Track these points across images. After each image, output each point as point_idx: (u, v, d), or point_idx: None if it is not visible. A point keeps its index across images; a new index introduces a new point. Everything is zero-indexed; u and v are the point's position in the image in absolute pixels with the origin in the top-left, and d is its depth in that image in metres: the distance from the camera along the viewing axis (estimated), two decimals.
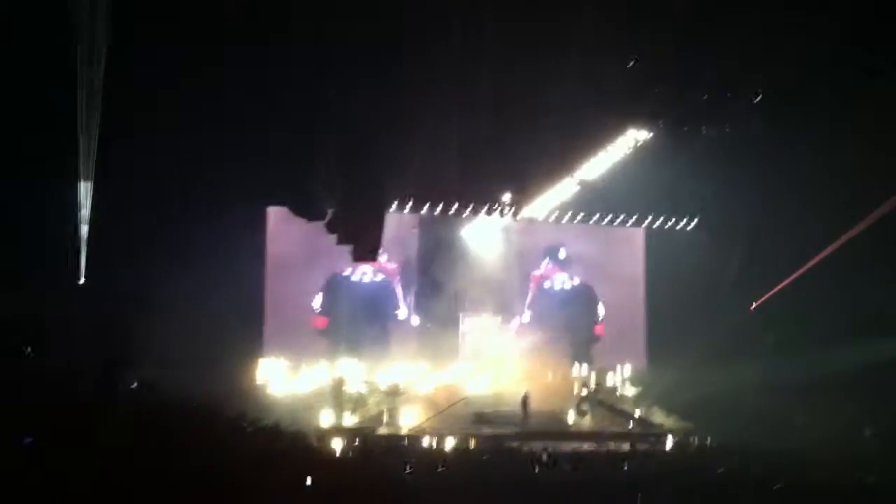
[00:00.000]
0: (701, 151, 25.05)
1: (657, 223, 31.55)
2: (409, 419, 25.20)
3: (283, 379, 26.77)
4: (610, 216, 31.23)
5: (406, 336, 29.49)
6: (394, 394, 26.50)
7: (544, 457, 19.68)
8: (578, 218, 30.86)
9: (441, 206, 29.85)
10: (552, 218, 30.63)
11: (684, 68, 23.28)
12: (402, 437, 23.46)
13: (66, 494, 9.64)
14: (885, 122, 21.90)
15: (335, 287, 29.03)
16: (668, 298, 29.60)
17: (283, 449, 15.81)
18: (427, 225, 30.10)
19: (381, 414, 25.40)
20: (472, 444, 22.58)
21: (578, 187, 28.80)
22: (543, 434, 23.96)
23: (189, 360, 21.08)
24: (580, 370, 29.27)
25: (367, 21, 21.06)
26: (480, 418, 25.54)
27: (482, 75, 22.90)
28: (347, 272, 29.17)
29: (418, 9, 21.06)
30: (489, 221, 30.43)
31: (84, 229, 21.76)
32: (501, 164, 27.31)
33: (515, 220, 30.30)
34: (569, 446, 21.85)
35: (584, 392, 28.20)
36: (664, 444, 24.48)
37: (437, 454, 19.72)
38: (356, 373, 27.13)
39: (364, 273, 29.43)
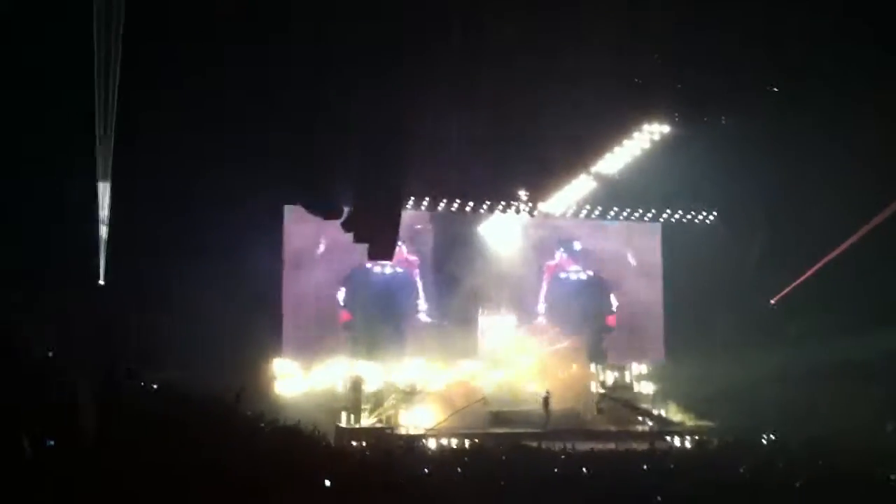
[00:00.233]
0: (719, 144, 24.90)
1: (675, 217, 31.40)
2: (427, 418, 25.20)
3: (301, 378, 26.82)
4: (627, 211, 31.11)
5: (424, 334, 29.52)
6: (412, 393, 26.56)
7: (563, 456, 19.54)
8: (595, 214, 30.79)
9: (457, 203, 29.81)
10: (569, 214, 30.56)
11: (701, 59, 23.09)
12: (420, 437, 23.41)
13: (82, 493, 9.65)
14: None
15: (356, 280, 29.06)
16: (686, 292, 29.48)
17: (300, 449, 15.78)
18: (443, 222, 30.06)
19: (399, 413, 25.42)
20: (490, 443, 22.43)
21: (595, 183, 28.67)
22: (562, 433, 23.81)
23: (206, 359, 21.14)
24: (597, 367, 29.20)
25: (382, 19, 21.01)
26: (498, 417, 25.50)
27: (498, 71, 22.79)
28: (369, 265, 29.18)
29: (433, 5, 20.97)
30: (506, 218, 30.33)
31: (102, 229, 21.84)
32: (518, 161, 27.23)
33: (532, 217, 30.17)
34: (587, 445, 21.64)
35: (602, 390, 28.12)
36: (684, 441, 24.31)
37: (455, 454, 19.61)
38: (374, 372, 27.16)
39: (384, 265, 29.41)
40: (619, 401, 27.85)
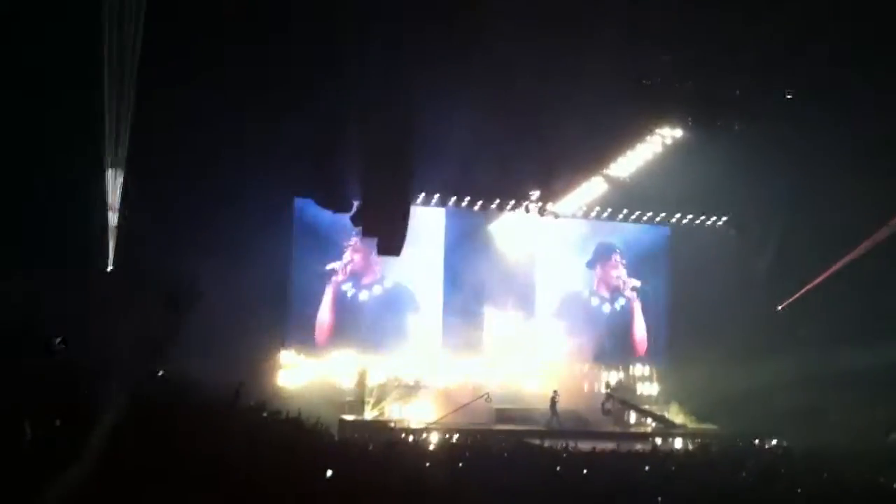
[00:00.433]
0: (731, 149, 24.84)
1: (685, 220, 31.35)
2: (430, 413, 25.24)
3: (305, 370, 26.89)
4: (637, 213, 31.07)
5: (430, 330, 29.52)
6: (416, 387, 26.61)
7: (565, 455, 19.55)
8: (605, 215, 30.77)
9: (467, 200, 29.81)
10: (579, 215, 30.54)
11: (716, 64, 23.05)
12: (423, 431, 23.44)
13: (89, 482, 9.73)
14: None
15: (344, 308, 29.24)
16: (691, 295, 29.42)
17: (304, 441, 15.85)
18: (453, 219, 30.06)
19: (403, 407, 25.52)
20: (493, 440, 22.46)
21: (606, 185, 28.65)
22: (564, 433, 23.82)
23: (212, 349, 21.19)
24: (601, 367, 29.18)
25: (397, 15, 21.05)
26: (502, 415, 25.53)
27: (512, 69, 22.79)
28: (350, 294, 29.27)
29: (447, 5, 21.01)
30: (516, 217, 30.32)
31: (111, 217, 21.95)
32: (529, 160, 27.24)
33: (542, 216, 30.16)
34: (590, 445, 21.64)
35: (606, 390, 28.10)
36: (686, 444, 24.28)
37: (457, 449, 19.63)
38: (379, 365, 27.22)
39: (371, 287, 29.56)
40: (624, 402, 27.80)
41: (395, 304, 29.59)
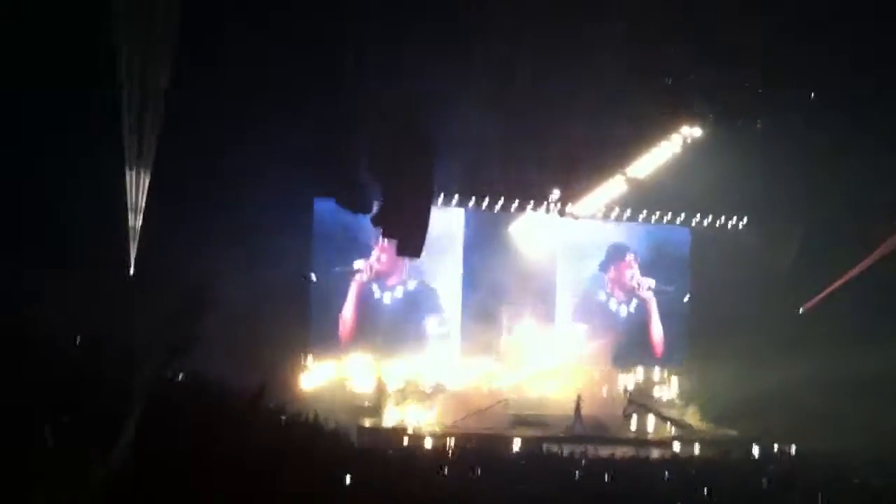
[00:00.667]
0: (753, 148, 24.65)
1: (706, 222, 31.12)
2: (448, 419, 25.17)
3: (325, 374, 26.88)
4: (657, 214, 30.87)
5: (449, 333, 29.46)
6: (434, 392, 26.54)
7: (583, 461, 19.49)
8: (626, 216, 30.59)
9: (487, 201, 29.73)
10: (599, 215, 30.37)
11: (735, 62, 22.89)
12: (440, 436, 23.38)
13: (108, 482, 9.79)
14: None
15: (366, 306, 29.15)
16: (711, 297, 29.19)
17: (323, 446, 15.87)
18: (473, 220, 29.97)
19: (421, 413, 25.44)
20: (510, 446, 22.41)
21: (626, 185, 28.48)
22: (583, 438, 23.74)
23: (233, 352, 21.21)
24: (621, 371, 29.01)
25: (416, 15, 21.04)
26: (520, 420, 25.42)
27: (532, 69, 22.74)
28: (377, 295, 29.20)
29: (465, 4, 20.97)
30: (536, 217, 30.19)
31: (134, 219, 22.03)
32: (548, 160, 27.17)
33: (562, 217, 30.01)
34: (609, 451, 21.56)
35: (626, 395, 27.94)
36: (707, 449, 24.09)
37: (475, 456, 19.58)
38: (398, 370, 27.17)
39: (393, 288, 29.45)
40: (645, 406, 27.60)
41: (416, 305, 29.45)
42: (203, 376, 17.33)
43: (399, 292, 29.43)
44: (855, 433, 22.54)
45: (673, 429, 26.60)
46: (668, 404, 28.43)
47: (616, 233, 31.27)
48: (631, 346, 30.10)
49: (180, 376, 17.67)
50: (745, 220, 30.83)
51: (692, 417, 27.31)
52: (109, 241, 21.62)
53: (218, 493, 10.49)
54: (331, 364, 27.19)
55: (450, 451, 20.15)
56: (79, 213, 20.54)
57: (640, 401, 27.84)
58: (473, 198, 29.56)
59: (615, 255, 31.36)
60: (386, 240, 28.03)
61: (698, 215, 31.00)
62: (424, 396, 26.37)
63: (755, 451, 23.21)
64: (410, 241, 26.30)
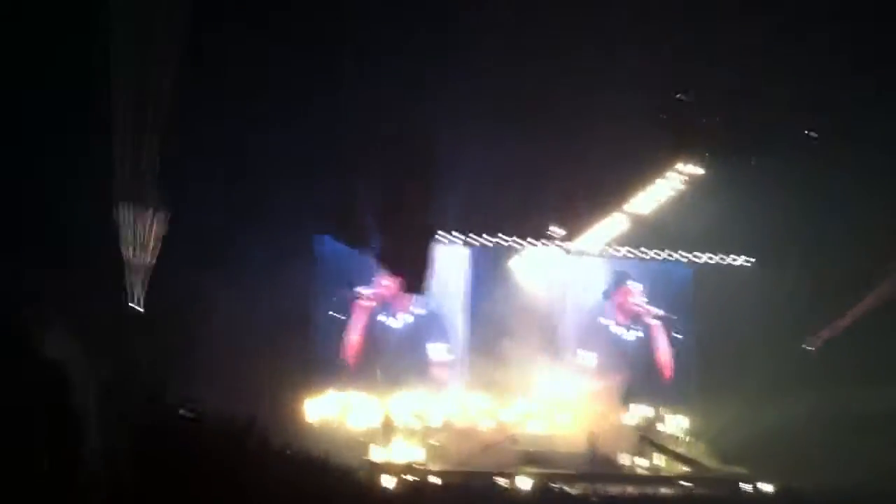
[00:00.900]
0: (755, 186, 24.70)
1: (709, 258, 31.07)
2: (456, 455, 24.76)
3: (332, 409, 26.49)
4: (661, 250, 30.83)
5: (455, 368, 29.16)
6: (442, 428, 26.17)
7: (594, 499, 19.17)
8: (629, 253, 30.54)
9: (490, 238, 29.68)
10: (602, 252, 30.32)
11: (735, 100, 23.09)
12: (448, 474, 22.98)
13: None
14: None
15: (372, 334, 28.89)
16: (717, 334, 29.01)
17: (330, 483, 15.53)
18: (476, 256, 29.89)
19: (430, 449, 24.99)
20: (520, 484, 22.02)
21: (628, 221, 28.47)
22: (592, 475, 23.36)
23: (236, 389, 20.90)
24: (633, 410, 28.66)
25: (417, 53, 21.19)
26: (528, 457, 25.03)
27: (532, 106, 22.85)
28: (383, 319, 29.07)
29: (467, 37, 21.12)
30: (539, 253, 30.14)
31: (131, 253, 21.89)
32: (550, 197, 27.18)
33: (567, 254, 29.97)
34: (618, 489, 21.23)
35: (637, 432, 27.60)
36: (719, 488, 23.76)
37: (484, 493, 19.27)
38: (405, 405, 26.79)
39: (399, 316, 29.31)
40: (655, 443, 27.23)
41: (426, 329, 29.32)
42: (209, 414, 17.06)
43: (408, 318, 29.23)
44: (862, 470, 22.32)
45: (683, 466, 26.20)
46: (677, 441, 28.01)
47: (621, 266, 31.17)
48: (639, 374, 29.78)
49: (181, 411, 17.41)
50: (748, 259, 30.77)
51: (701, 454, 26.94)
52: (111, 275, 21.51)
53: None
54: (336, 396, 26.76)
55: (458, 488, 19.83)
56: (80, 243, 20.42)
57: (650, 437, 27.48)
58: (475, 235, 29.46)
59: (619, 281, 31.23)
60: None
61: (701, 253, 30.93)
62: (432, 432, 25.86)
63: (763, 488, 22.91)
64: (414, 278, 26.18)
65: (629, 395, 28.84)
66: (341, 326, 28.23)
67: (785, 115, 23.51)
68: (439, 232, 27.76)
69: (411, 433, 25.79)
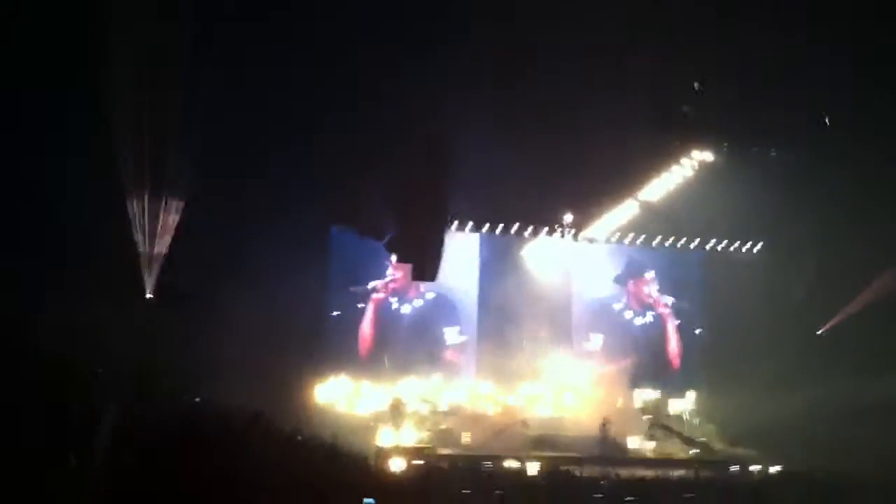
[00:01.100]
0: (767, 173, 24.67)
1: (720, 246, 31.07)
2: (466, 439, 25.03)
3: (343, 395, 26.83)
4: (672, 238, 30.85)
5: (466, 353, 29.41)
6: (452, 413, 26.42)
7: (604, 483, 19.40)
8: (640, 240, 30.58)
9: (501, 226, 29.84)
10: (612, 240, 30.41)
11: (750, 89, 23.02)
12: (459, 458, 23.24)
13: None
14: None
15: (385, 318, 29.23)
16: (727, 320, 29.05)
17: (341, 468, 15.89)
18: (487, 244, 30.06)
19: (439, 434, 25.30)
20: (531, 467, 22.25)
21: (639, 209, 28.53)
22: (602, 459, 23.55)
23: (250, 375, 21.30)
24: (642, 394, 28.82)
25: (434, 48, 21.36)
26: (539, 441, 25.25)
27: (546, 95, 22.94)
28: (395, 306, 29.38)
29: (483, 33, 21.26)
30: (550, 241, 30.27)
31: (151, 244, 22.30)
32: (562, 185, 27.22)
33: (576, 241, 30.07)
34: (629, 473, 21.41)
35: (647, 416, 27.74)
36: (727, 471, 23.89)
37: (494, 476, 19.53)
38: (415, 391, 27.12)
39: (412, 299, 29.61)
40: (666, 427, 27.38)
41: (436, 314, 29.53)
42: (223, 400, 17.49)
43: (418, 303, 29.50)
44: (868, 455, 22.40)
45: (692, 450, 26.34)
46: (687, 424, 28.14)
47: (631, 253, 31.25)
48: (649, 361, 29.94)
49: (196, 399, 17.88)
50: (760, 245, 30.74)
51: (710, 437, 27.06)
52: (128, 266, 21.96)
53: None
54: (348, 384, 27.08)
55: (469, 473, 20.09)
56: (99, 238, 20.84)
57: (661, 421, 27.62)
58: (488, 223, 29.64)
59: (634, 269, 31.31)
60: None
61: (713, 240, 30.94)
62: (442, 418, 26.15)
63: (773, 470, 23.04)
64: (426, 266, 26.44)
65: (638, 379, 29.02)
66: (355, 318, 28.60)
67: (796, 105, 23.47)
68: (450, 220, 28.01)
69: (421, 418, 26.14)
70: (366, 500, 13.54)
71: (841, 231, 25.58)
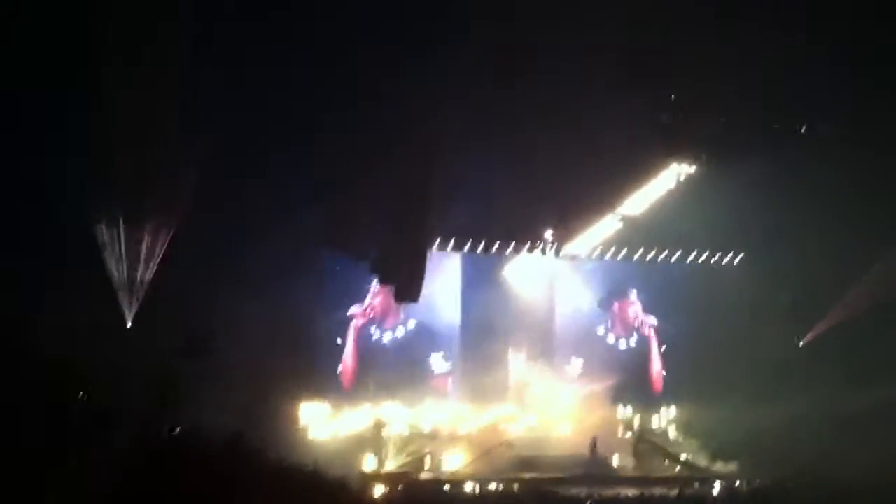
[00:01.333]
0: (746, 185, 24.79)
1: (701, 258, 31.16)
2: (451, 462, 24.89)
3: (326, 420, 26.60)
4: (654, 252, 30.92)
5: (450, 375, 29.26)
6: (436, 437, 26.27)
7: (590, 502, 19.36)
8: (622, 255, 30.62)
9: (483, 244, 29.82)
10: (594, 255, 30.43)
11: (729, 102, 23.19)
12: (443, 482, 23.13)
13: None
14: None
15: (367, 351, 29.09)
16: (709, 333, 29.11)
17: (325, 494, 15.78)
18: (470, 263, 30.02)
19: (423, 457, 25.16)
20: (515, 488, 22.19)
21: (621, 224, 28.58)
22: (588, 479, 23.50)
23: (234, 402, 21.14)
24: (624, 411, 28.82)
25: (409, 67, 21.40)
26: (524, 462, 25.15)
27: (525, 112, 23.01)
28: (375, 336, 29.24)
29: (461, 49, 21.32)
30: (532, 258, 30.27)
31: (128, 272, 22.16)
32: (543, 202, 27.27)
33: (558, 258, 30.10)
34: (613, 491, 21.39)
35: (631, 434, 27.73)
36: (712, 487, 23.90)
37: (479, 499, 19.44)
38: (399, 415, 26.92)
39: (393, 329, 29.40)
40: (652, 444, 27.39)
41: (419, 343, 29.28)
42: (206, 429, 17.33)
43: (399, 332, 29.26)
44: (857, 467, 22.48)
45: (677, 466, 26.35)
46: (670, 442, 28.14)
47: (613, 269, 31.26)
48: (631, 382, 29.90)
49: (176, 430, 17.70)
50: (740, 256, 30.86)
51: (694, 453, 27.09)
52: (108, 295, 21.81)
53: None
54: (332, 410, 26.88)
55: (453, 495, 20.00)
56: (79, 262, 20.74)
57: (647, 439, 27.61)
58: (470, 241, 29.61)
59: (617, 293, 31.34)
60: (382, 286, 28.14)
61: (694, 251, 31.03)
62: (426, 441, 25.99)
63: (757, 484, 23.07)
64: (408, 287, 26.38)
65: (621, 397, 29.02)
66: (337, 345, 28.39)
67: (775, 116, 23.66)
68: (433, 240, 27.98)
69: (404, 441, 25.91)
70: None
71: (822, 241, 25.75)
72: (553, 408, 28.39)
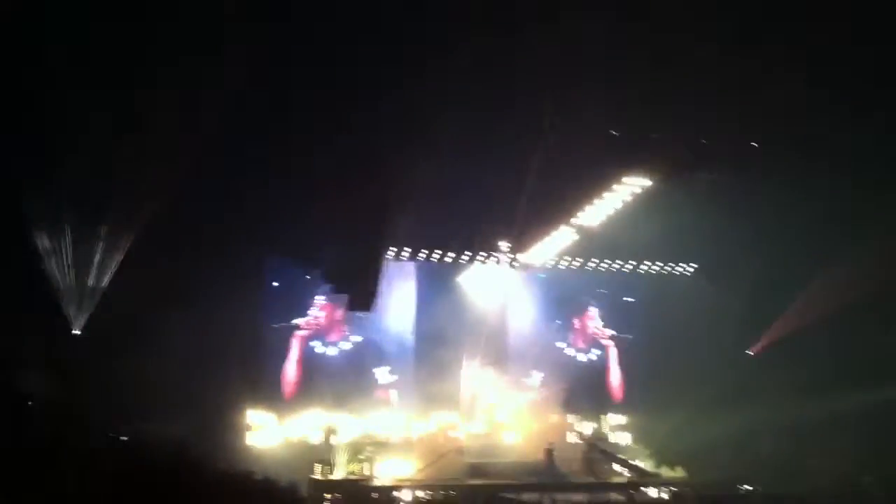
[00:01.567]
0: (700, 198, 25.11)
1: (655, 268, 31.54)
2: (402, 469, 24.82)
3: (275, 429, 26.43)
4: (608, 262, 31.22)
5: (401, 383, 29.37)
6: (387, 443, 26.19)
7: None
8: (576, 265, 30.88)
9: (438, 253, 29.91)
10: (549, 265, 30.66)
11: (683, 117, 23.45)
12: (394, 488, 23.04)
13: None
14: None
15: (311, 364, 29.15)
16: (664, 343, 29.45)
17: (275, 501, 15.73)
18: (424, 272, 30.11)
19: (374, 464, 24.99)
20: (467, 495, 22.19)
21: (576, 235, 28.83)
22: (541, 486, 23.58)
23: (180, 411, 20.97)
24: (575, 417, 29.05)
25: (376, 73, 21.40)
26: (475, 469, 25.16)
27: (482, 124, 23.10)
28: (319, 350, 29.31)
29: (426, 57, 21.37)
30: (487, 268, 30.43)
31: (76, 278, 21.92)
32: (498, 212, 27.37)
33: (513, 267, 30.29)
34: (566, 497, 21.51)
35: (580, 440, 27.89)
36: (661, 493, 24.14)
37: None
38: (349, 422, 26.84)
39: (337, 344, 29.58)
40: (603, 452, 27.57)
41: (364, 356, 29.44)
42: (152, 437, 17.21)
43: (345, 346, 29.44)
44: (808, 473, 22.87)
45: (627, 472, 26.55)
46: (620, 449, 28.38)
47: (572, 281, 31.55)
48: (588, 391, 30.22)
49: (124, 438, 17.57)
50: (693, 267, 31.30)
51: (644, 461, 27.33)
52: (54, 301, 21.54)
53: None
54: (280, 418, 26.71)
55: (404, 502, 19.95)
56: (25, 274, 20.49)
57: (599, 446, 27.80)
58: (425, 251, 29.69)
59: (576, 307, 31.74)
60: (324, 297, 28.12)
61: (648, 262, 31.41)
62: (377, 448, 25.79)
63: (710, 492, 23.33)
64: (361, 296, 26.38)
65: (575, 404, 29.26)
66: (282, 355, 28.49)
67: (730, 129, 23.97)
68: (387, 249, 28.00)
69: (354, 450, 25.69)
70: None
71: (773, 253, 26.21)
72: (504, 415, 28.49)
